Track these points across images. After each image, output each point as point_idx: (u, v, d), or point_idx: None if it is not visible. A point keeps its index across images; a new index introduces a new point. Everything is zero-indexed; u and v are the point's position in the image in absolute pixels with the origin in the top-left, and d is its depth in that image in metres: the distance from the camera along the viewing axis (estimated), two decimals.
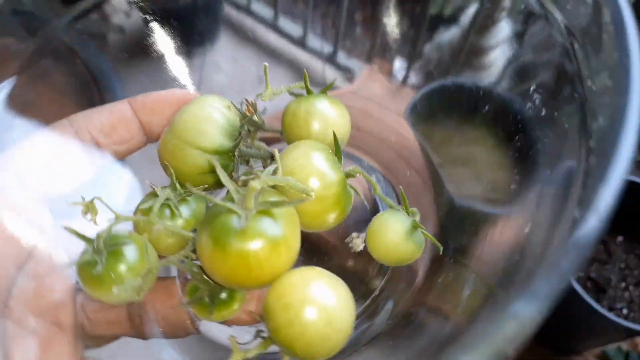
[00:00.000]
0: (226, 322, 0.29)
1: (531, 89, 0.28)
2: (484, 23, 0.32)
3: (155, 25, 0.35)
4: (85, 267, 0.25)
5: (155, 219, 0.26)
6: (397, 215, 0.30)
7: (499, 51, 0.32)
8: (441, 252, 0.30)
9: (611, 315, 0.54)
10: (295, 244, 0.24)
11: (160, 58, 0.36)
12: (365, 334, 0.33)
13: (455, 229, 0.34)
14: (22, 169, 0.28)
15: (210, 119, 0.28)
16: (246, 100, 0.30)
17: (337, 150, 0.28)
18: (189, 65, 0.38)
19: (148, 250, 0.27)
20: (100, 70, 0.33)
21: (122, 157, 0.31)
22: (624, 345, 0.66)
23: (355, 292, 0.32)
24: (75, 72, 0.34)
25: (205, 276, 0.26)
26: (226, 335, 0.26)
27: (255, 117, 0.29)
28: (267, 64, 0.31)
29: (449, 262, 0.32)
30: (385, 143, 0.40)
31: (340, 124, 0.30)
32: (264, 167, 0.28)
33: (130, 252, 0.26)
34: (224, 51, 0.39)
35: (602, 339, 0.65)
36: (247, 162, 0.30)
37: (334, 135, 0.28)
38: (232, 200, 0.23)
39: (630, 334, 0.59)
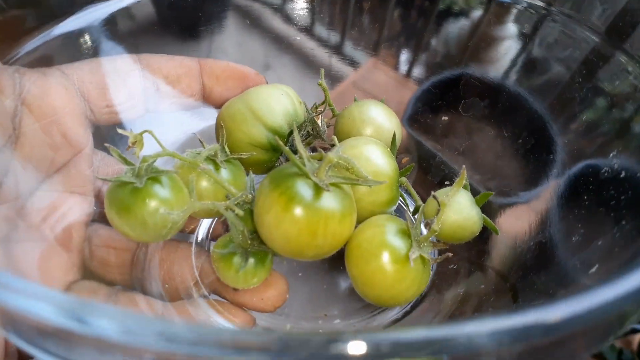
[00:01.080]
0: (233, 299, 0.28)
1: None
2: (493, 18, 0.34)
3: (163, 10, 0.36)
4: (119, 188, 0.23)
5: (201, 160, 0.25)
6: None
7: (507, 45, 0.34)
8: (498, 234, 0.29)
9: None
10: (354, 221, 0.24)
11: (167, 42, 0.36)
12: None
13: None
14: (81, 83, 0.27)
15: (281, 102, 0.29)
16: (315, 104, 0.31)
17: (392, 147, 0.29)
18: (196, 49, 0.38)
19: (185, 191, 0.25)
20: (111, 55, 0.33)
21: (174, 109, 0.31)
22: (617, 343, 0.66)
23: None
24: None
25: (246, 233, 0.25)
26: None
27: (319, 123, 0.30)
28: (322, 80, 0.31)
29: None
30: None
31: (393, 130, 0.31)
32: None
33: (169, 183, 0.24)
34: (230, 35, 0.39)
35: None
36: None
37: (394, 134, 0.29)
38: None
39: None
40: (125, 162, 0.24)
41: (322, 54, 0.40)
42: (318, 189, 0.22)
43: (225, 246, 0.26)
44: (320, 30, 0.40)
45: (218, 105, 0.32)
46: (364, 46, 0.40)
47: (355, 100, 0.33)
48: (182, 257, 0.29)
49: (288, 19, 0.40)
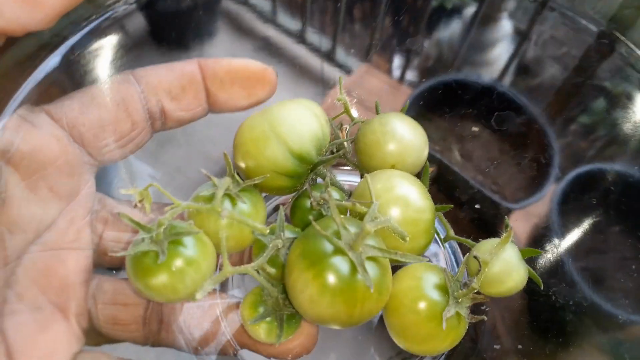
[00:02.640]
0: (264, 350, 0.27)
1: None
2: (486, 18, 0.33)
3: (153, 19, 0.34)
4: (142, 258, 0.22)
5: (220, 206, 0.23)
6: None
7: (501, 47, 0.33)
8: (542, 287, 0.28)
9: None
10: (390, 291, 0.23)
11: (158, 51, 0.35)
12: None
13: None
14: (72, 128, 0.24)
15: (309, 124, 0.26)
16: (341, 124, 0.29)
17: (424, 179, 0.27)
18: (186, 59, 0.35)
19: (209, 244, 0.24)
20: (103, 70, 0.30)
21: (182, 124, 0.27)
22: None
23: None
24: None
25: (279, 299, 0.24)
26: None
27: (345, 143, 0.28)
28: (340, 77, 0.30)
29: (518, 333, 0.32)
30: None
31: (418, 145, 0.29)
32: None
33: (193, 242, 0.23)
34: (221, 45, 0.38)
35: None
36: (314, 180, 0.28)
37: (426, 165, 0.27)
38: (336, 234, 0.21)
39: None
40: (141, 227, 0.22)
41: (314, 61, 0.39)
42: (354, 266, 0.21)
43: (255, 307, 0.24)
44: (312, 36, 0.39)
45: (224, 111, 0.28)
46: (355, 52, 0.39)
47: (377, 112, 0.30)
48: (209, 309, 0.28)
49: (279, 26, 0.38)
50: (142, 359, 0.27)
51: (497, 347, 0.31)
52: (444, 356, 0.32)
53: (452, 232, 0.28)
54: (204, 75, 0.27)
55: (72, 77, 0.28)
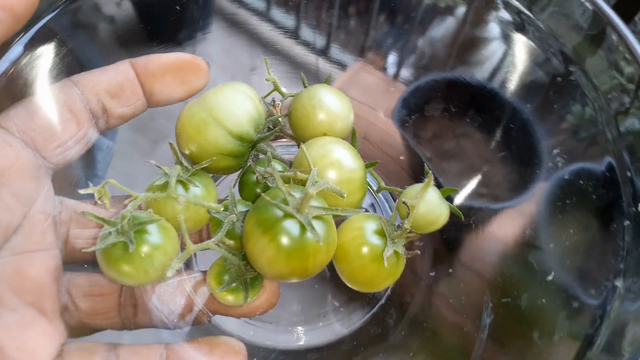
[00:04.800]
0: (234, 312, 0.30)
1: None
2: (478, 18, 0.35)
3: (146, 16, 0.34)
4: (112, 250, 0.24)
5: (175, 193, 0.26)
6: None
7: (493, 46, 0.35)
8: (463, 219, 0.31)
9: None
10: (336, 241, 0.27)
11: (150, 48, 0.35)
12: (379, 345, 0.36)
13: (451, 237, 0.36)
14: (22, 133, 0.25)
15: (244, 106, 0.28)
16: (273, 100, 0.31)
17: (353, 141, 0.30)
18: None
19: (172, 229, 0.26)
20: (89, 60, 0.31)
21: (125, 120, 0.29)
22: None
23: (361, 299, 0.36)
24: (64, 62, 0.31)
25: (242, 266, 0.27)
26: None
27: (280, 119, 0.31)
28: (266, 57, 0.32)
29: (448, 261, 0.35)
30: (369, 141, 0.41)
31: (345, 112, 0.32)
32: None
33: (157, 229, 0.25)
34: (215, 42, 0.38)
35: None
36: (256, 156, 0.31)
37: (353, 130, 0.30)
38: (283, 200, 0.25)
39: None
40: (105, 222, 0.24)
41: (309, 58, 0.40)
42: (303, 226, 0.24)
43: (220, 277, 0.27)
44: (307, 33, 0.40)
45: (162, 104, 0.30)
46: (350, 49, 0.40)
47: (304, 86, 0.33)
48: (178, 286, 0.30)
49: (274, 23, 0.39)
50: (124, 340, 0.29)
51: (432, 274, 0.35)
52: (389, 289, 0.36)
53: (382, 184, 0.32)
54: (137, 72, 0.29)
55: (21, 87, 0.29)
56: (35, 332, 0.24)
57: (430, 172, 0.27)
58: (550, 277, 0.28)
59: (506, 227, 0.32)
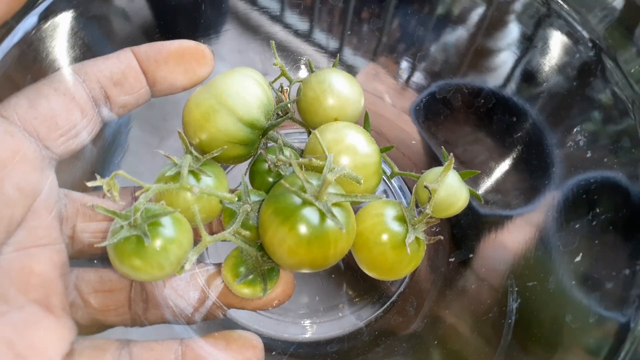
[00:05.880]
0: (249, 305, 0.29)
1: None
2: (492, 25, 0.34)
3: (159, 13, 0.33)
4: (125, 244, 0.23)
5: (188, 183, 0.25)
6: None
7: (507, 53, 0.34)
8: (482, 202, 0.31)
9: None
10: (356, 228, 0.26)
11: None
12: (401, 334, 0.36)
13: (470, 224, 0.36)
14: (25, 123, 0.24)
15: (254, 91, 0.27)
16: (281, 86, 0.31)
17: (366, 125, 0.30)
18: None
19: (185, 221, 0.25)
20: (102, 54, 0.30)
21: (129, 109, 0.28)
22: None
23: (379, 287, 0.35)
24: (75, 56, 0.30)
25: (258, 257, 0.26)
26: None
27: (289, 105, 0.30)
28: (272, 41, 0.31)
29: (468, 246, 0.35)
30: (385, 137, 0.41)
31: (355, 96, 0.31)
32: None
33: (171, 223, 0.24)
34: (228, 42, 0.38)
35: None
36: (265, 144, 0.30)
37: (366, 113, 0.30)
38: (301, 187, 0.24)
39: None
40: (117, 215, 0.23)
41: (321, 60, 0.40)
42: (323, 213, 0.23)
43: (236, 269, 0.26)
44: (320, 36, 0.40)
45: (166, 92, 0.29)
46: (363, 53, 0.40)
47: (311, 70, 0.32)
48: (191, 280, 0.29)
49: (287, 26, 0.39)
50: (136, 336, 0.28)
51: (451, 259, 0.35)
52: (407, 277, 0.35)
53: (396, 169, 0.31)
54: (139, 59, 0.28)
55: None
56: (44, 330, 0.24)
57: (451, 154, 0.26)
58: (578, 259, 0.27)
59: (531, 215, 0.31)
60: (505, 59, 0.34)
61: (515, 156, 0.34)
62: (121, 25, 0.32)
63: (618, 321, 0.23)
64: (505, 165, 0.34)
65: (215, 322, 0.32)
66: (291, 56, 0.40)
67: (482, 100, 0.35)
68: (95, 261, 0.28)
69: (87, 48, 0.29)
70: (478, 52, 0.36)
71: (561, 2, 0.29)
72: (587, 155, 0.29)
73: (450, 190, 0.27)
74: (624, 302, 0.23)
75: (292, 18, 0.39)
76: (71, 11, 0.29)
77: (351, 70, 0.40)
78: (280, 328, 0.36)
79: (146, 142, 0.36)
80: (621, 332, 0.22)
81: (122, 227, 0.23)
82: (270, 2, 0.38)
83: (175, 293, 0.30)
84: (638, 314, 0.22)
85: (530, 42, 0.32)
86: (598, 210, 0.27)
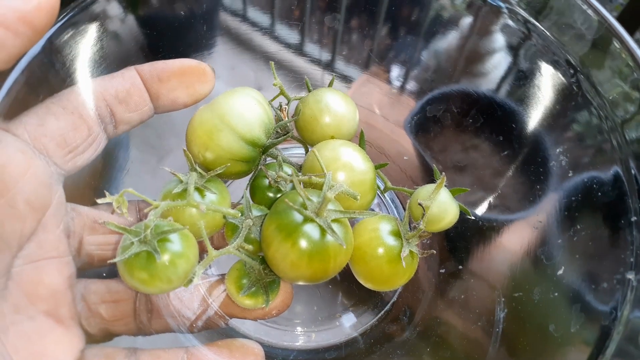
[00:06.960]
0: (250, 315, 0.31)
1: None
2: (483, 29, 0.35)
3: (150, 32, 0.34)
4: (135, 259, 0.24)
5: (194, 200, 0.26)
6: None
7: (498, 57, 0.35)
8: (471, 216, 0.32)
9: None
10: (353, 241, 0.27)
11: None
12: (396, 341, 0.37)
13: (459, 237, 0.37)
14: (35, 140, 0.25)
15: (255, 111, 0.28)
16: (280, 105, 0.32)
17: (361, 143, 0.31)
18: None
19: (191, 237, 0.26)
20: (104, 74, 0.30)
21: (132, 126, 0.29)
22: None
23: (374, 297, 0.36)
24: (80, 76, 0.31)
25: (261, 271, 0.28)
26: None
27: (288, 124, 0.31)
28: (272, 62, 0.32)
29: (457, 257, 0.36)
30: (378, 149, 0.42)
31: (351, 114, 0.32)
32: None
33: (179, 238, 0.25)
34: (220, 58, 0.38)
35: None
36: (264, 160, 0.31)
37: (361, 131, 0.31)
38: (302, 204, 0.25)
39: None
40: (127, 231, 0.24)
41: (314, 71, 0.41)
42: (323, 229, 0.24)
43: (239, 281, 0.28)
44: (311, 48, 0.40)
45: (168, 109, 0.30)
46: (355, 62, 0.41)
47: (308, 90, 0.33)
48: (194, 290, 0.30)
49: (277, 39, 0.39)
50: (142, 345, 0.29)
51: (442, 271, 0.36)
52: (401, 287, 0.37)
53: (389, 184, 0.33)
54: (142, 77, 0.29)
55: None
56: (54, 339, 0.24)
57: (443, 173, 0.28)
58: (560, 272, 0.28)
59: (515, 229, 0.33)
60: (497, 63, 0.35)
61: (505, 172, 0.35)
62: (113, 47, 0.32)
63: (598, 331, 0.25)
64: (496, 180, 0.36)
65: (217, 331, 0.33)
66: (285, 71, 0.41)
67: (477, 106, 0.36)
68: (105, 274, 0.29)
69: (89, 68, 0.30)
70: (469, 58, 0.37)
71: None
72: (569, 175, 0.30)
73: (442, 206, 0.29)
74: (602, 314, 0.25)
75: (281, 31, 0.40)
76: (70, 34, 0.30)
77: (345, 79, 0.41)
78: (281, 336, 0.37)
79: (143, 160, 0.37)
80: (600, 341, 0.24)
81: (132, 243, 0.24)
82: (260, 17, 0.39)
83: (180, 303, 0.31)
84: (615, 324, 0.23)
85: (517, 47, 0.33)
86: (579, 227, 0.29)
